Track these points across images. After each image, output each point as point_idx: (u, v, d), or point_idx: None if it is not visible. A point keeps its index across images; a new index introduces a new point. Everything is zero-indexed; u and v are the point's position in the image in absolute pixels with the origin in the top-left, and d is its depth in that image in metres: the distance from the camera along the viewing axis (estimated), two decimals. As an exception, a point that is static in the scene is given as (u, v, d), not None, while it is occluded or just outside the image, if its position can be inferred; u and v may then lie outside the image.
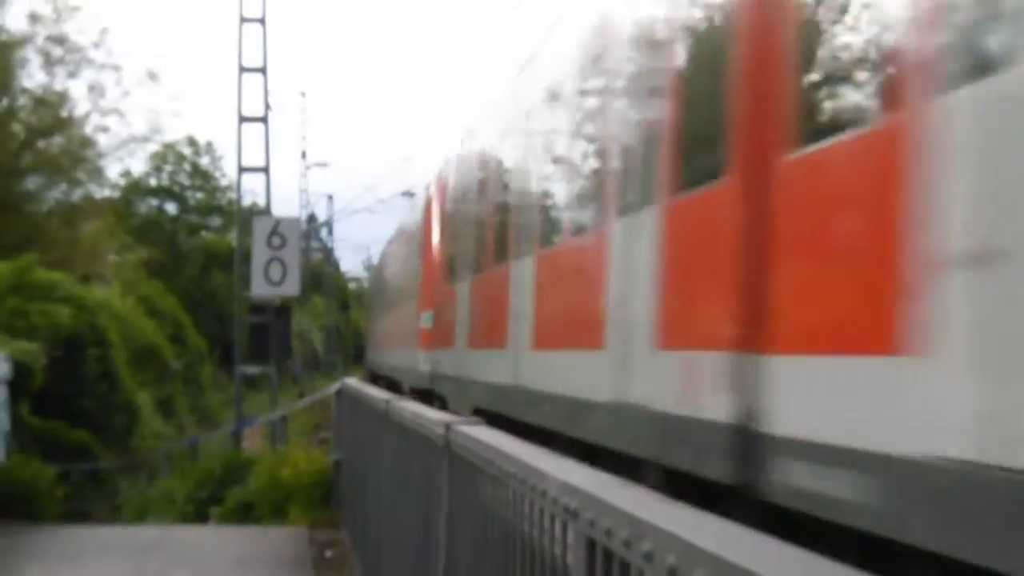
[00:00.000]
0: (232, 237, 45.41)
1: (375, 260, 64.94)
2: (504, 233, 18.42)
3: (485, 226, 20.96)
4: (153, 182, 64.11)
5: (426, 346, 27.48)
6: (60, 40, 47.51)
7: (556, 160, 16.36)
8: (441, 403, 23.04)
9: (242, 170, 36.01)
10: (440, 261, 27.10)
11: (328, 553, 16.65)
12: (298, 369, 65.77)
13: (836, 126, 7.43)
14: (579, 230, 14.06)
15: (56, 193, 47.53)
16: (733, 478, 8.12)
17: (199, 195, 65.41)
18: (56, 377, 31.98)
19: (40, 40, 47.21)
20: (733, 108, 8.89)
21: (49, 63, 47.32)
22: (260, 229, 31.26)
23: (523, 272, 16.87)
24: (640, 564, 2.98)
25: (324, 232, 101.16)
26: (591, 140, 13.84)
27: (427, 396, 24.61)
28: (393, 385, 30.91)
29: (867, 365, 6.49)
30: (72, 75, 48.03)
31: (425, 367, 27.14)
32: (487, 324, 19.60)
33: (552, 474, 4.10)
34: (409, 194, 51.40)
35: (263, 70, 35.67)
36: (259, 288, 31.20)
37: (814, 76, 8.13)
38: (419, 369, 28.25)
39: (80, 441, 32.81)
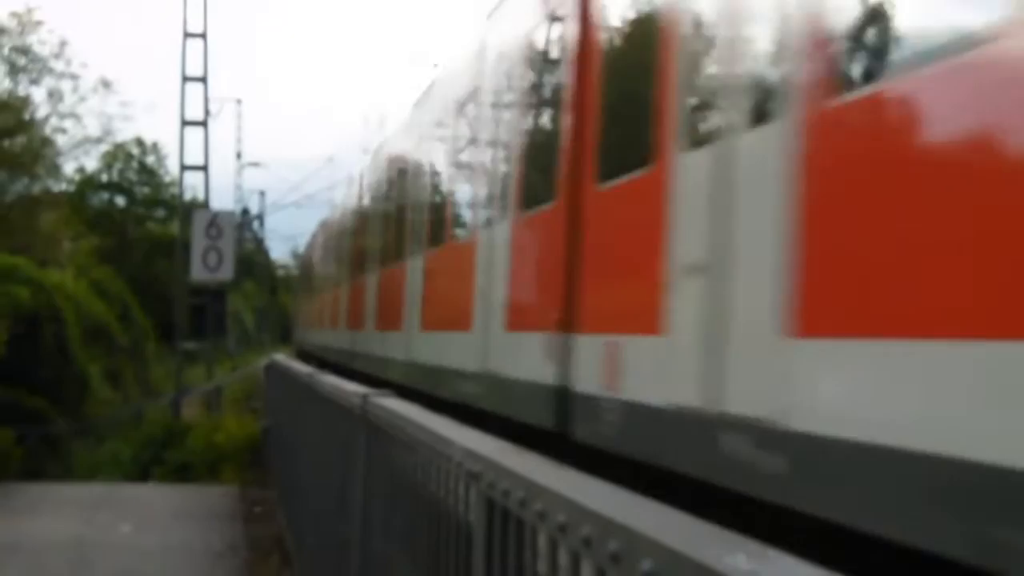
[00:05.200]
0: (175, 228, 44.94)
1: (302, 249, 64.50)
2: (401, 232, 19.44)
3: (386, 225, 21.64)
4: (105, 178, 63.34)
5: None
6: (24, 51, 46.86)
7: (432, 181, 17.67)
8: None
9: (184, 168, 35.75)
10: (355, 252, 27.27)
11: (257, 509, 16.57)
12: (232, 346, 65.38)
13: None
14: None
15: (18, 187, 46.89)
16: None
17: (145, 190, 64.68)
18: (16, 350, 31.54)
19: (5, 51, 46.62)
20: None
21: (14, 71, 46.72)
22: (199, 221, 31.04)
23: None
24: (534, 522, 2.98)
25: (256, 224, 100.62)
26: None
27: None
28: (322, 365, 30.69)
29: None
30: (34, 82, 47.40)
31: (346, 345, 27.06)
32: (390, 310, 20.26)
33: (457, 441, 4.09)
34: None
35: (204, 80, 35.40)
36: (198, 273, 30.98)
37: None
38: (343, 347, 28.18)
39: (36, 407, 32.34)
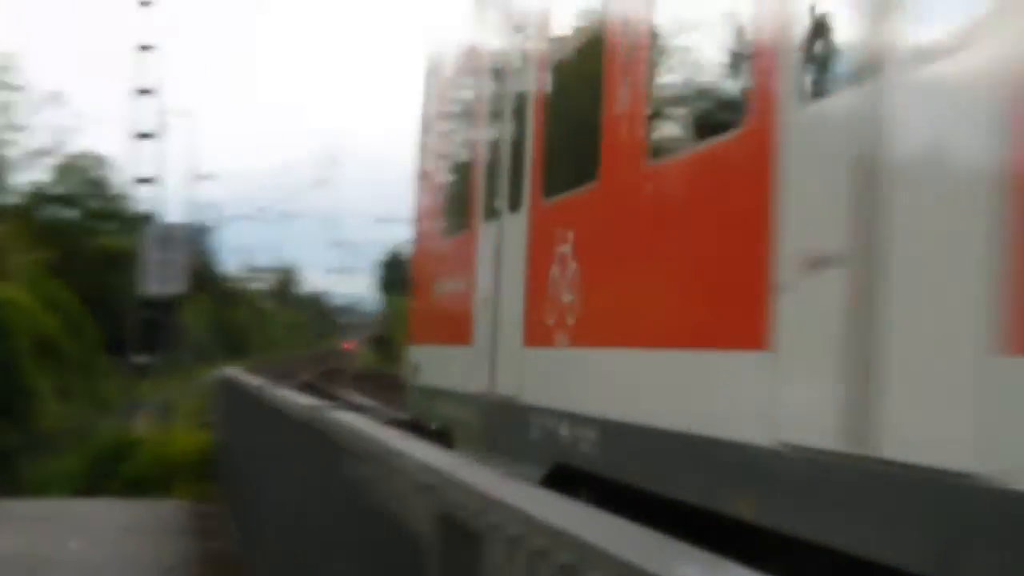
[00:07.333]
0: (128, 240, 44.73)
1: (256, 263, 64.45)
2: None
3: None
4: (56, 191, 63.06)
5: None
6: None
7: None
8: None
9: (137, 181, 35.62)
10: None
11: (209, 523, 16.50)
12: (185, 359, 65.14)
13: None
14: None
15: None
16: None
17: (97, 203, 64.46)
18: (-37, 365, 31.36)
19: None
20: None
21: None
22: (151, 234, 30.95)
23: None
24: (487, 534, 2.98)
25: (209, 237, 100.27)
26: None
27: None
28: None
29: None
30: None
31: None
32: None
33: (410, 454, 4.10)
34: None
35: (156, 93, 35.28)
36: (149, 286, 30.87)
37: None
38: None
39: (-17, 423, 32.15)
